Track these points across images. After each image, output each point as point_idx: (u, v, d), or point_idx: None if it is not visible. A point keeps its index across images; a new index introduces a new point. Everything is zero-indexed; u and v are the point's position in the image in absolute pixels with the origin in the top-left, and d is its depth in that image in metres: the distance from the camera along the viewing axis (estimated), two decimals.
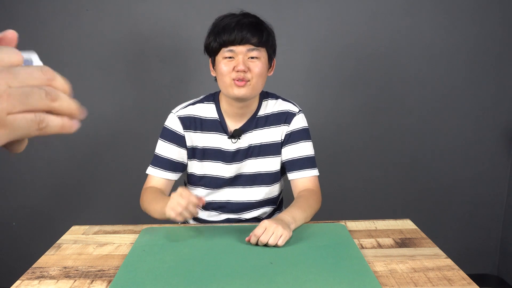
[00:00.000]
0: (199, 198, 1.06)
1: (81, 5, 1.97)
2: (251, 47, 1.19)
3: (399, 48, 2.04)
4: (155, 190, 1.27)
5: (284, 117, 1.32)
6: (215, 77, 1.26)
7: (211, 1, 1.96)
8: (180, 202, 1.04)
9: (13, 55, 0.31)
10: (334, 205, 2.12)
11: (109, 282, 0.94)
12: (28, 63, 0.34)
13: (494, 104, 2.10)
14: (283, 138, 1.32)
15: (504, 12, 2.01)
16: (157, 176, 1.30)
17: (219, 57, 1.22)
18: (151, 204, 1.21)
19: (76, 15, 1.98)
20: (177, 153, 1.30)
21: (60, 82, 0.32)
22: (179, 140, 1.30)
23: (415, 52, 2.04)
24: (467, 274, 0.96)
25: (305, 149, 1.31)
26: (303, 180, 1.30)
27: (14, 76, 0.30)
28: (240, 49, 1.18)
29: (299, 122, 1.32)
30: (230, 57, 1.19)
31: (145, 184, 1.32)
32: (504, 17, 2.01)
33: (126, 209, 2.15)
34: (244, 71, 1.18)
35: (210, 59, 1.28)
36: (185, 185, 1.43)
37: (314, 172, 1.31)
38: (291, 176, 1.32)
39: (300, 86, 2.07)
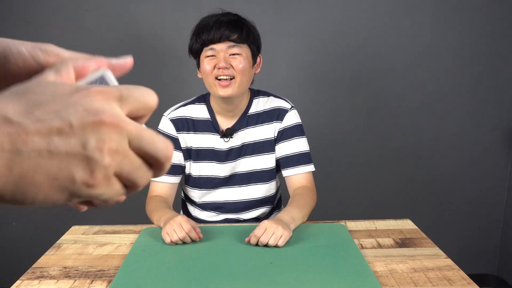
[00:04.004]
0: (198, 232, 1.09)
1: (81, 5, 1.97)
2: (231, 43, 1.19)
3: (398, 48, 2.03)
4: (159, 200, 1.27)
5: (276, 114, 1.32)
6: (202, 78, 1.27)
7: (211, 1, 1.96)
8: (177, 233, 1.07)
9: (151, 100, 0.28)
10: (334, 205, 2.12)
11: (109, 282, 0.94)
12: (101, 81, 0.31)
13: (494, 104, 2.10)
14: (276, 135, 1.32)
15: (504, 12, 2.01)
16: (159, 182, 1.30)
17: (202, 57, 1.23)
18: (152, 212, 1.23)
19: (76, 15, 1.98)
20: (173, 156, 1.30)
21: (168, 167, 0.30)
22: (173, 143, 1.29)
23: (415, 52, 2.04)
24: (467, 274, 0.96)
25: (299, 145, 1.31)
26: (298, 176, 1.30)
27: (140, 138, 0.26)
28: (221, 46, 1.19)
29: (292, 118, 1.32)
30: (212, 56, 1.20)
31: (150, 192, 1.32)
32: (504, 17, 2.01)
33: (126, 209, 2.15)
34: (226, 68, 1.18)
35: (195, 62, 1.29)
36: (182, 186, 1.43)
37: (309, 168, 1.31)
38: (285, 173, 1.32)
39: (300, 86, 2.07)
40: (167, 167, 0.29)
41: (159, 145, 0.27)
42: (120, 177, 0.26)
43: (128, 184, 0.27)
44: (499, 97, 2.09)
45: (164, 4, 1.98)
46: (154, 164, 0.28)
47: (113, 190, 0.27)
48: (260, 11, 1.96)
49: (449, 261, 1.02)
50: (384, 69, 2.06)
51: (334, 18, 2.01)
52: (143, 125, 0.29)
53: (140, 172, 0.27)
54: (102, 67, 0.32)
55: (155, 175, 0.29)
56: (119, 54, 0.35)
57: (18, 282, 0.96)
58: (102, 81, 0.32)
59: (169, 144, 0.28)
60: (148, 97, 0.28)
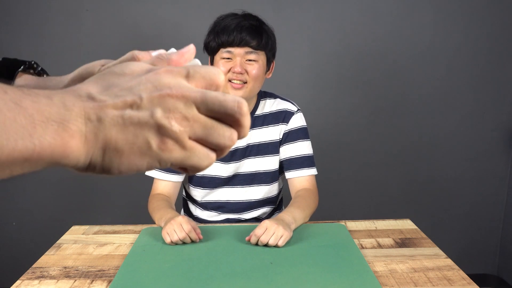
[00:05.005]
0: (198, 233, 1.09)
1: (81, 5, 1.97)
2: (249, 49, 1.19)
3: (398, 48, 2.03)
4: (161, 198, 1.27)
5: (282, 116, 1.32)
6: None
7: (211, 1, 1.96)
8: (178, 233, 1.07)
9: (217, 77, 0.31)
10: (334, 205, 2.12)
11: (109, 282, 0.94)
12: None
13: (494, 104, 2.10)
14: (281, 137, 1.32)
15: (504, 12, 2.01)
16: (162, 180, 1.30)
17: (217, 57, 1.22)
18: (153, 211, 1.23)
19: (76, 15, 1.98)
20: None
21: (248, 121, 0.31)
22: None
23: (414, 52, 2.04)
24: (467, 274, 0.96)
25: (303, 148, 1.31)
26: (301, 179, 1.30)
27: (205, 101, 0.29)
28: (238, 51, 1.19)
29: (298, 121, 1.32)
30: (228, 58, 1.20)
31: (152, 190, 1.32)
32: (504, 17, 2.01)
33: (126, 209, 2.15)
34: (241, 73, 1.18)
35: (209, 58, 1.29)
36: (184, 188, 1.43)
37: (312, 171, 1.31)
38: (288, 175, 1.32)
39: (300, 86, 2.07)
40: (245, 121, 0.30)
41: (228, 103, 0.30)
42: (200, 141, 0.30)
43: (212, 147, 0.31)
44: (499, 97, 2.09)
45: (164, 4, 1.98)
46: (231, 121, 0.30)
47: (197, 155, 0.30)
48: (260, 12, 1.96)
49: (449, 261, 1.02)
50: (383, 70, 2.06)
51: (335, 18, 2.01)
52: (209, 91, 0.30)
53: (216, 132, 0.30)
54: (192, 58, 0.35)
55: (239, 133, 0.31)
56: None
57: (18, 282, 0.96)
58: None
59: (239, 100, 0.30)
60: (214, 75, 0.31)
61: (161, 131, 0.28)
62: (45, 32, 1.99)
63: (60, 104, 0.26)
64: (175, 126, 0.28)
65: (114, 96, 0.28)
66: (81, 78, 0.35)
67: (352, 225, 1.24)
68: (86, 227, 1.26)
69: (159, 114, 0.28)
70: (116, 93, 0.28)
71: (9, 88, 0.26)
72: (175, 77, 0.29)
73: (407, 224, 1.24)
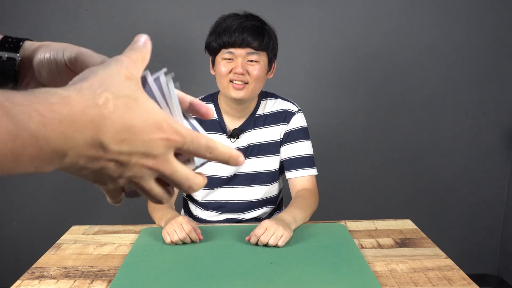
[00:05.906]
0: (198, 234, 1.09)
1: (81, 5, 1.97)
2: (251, 50, 1.19)
3: (399, 48, 2.03)
4: None
5: (283, 116, 1.32)
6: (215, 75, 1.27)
7: (211, 1, 1.96)
8: (178, 233, 1.07)
9: (206, 156, 0.35)
10: (334, 205, 2.12)
11: (109, 282, 0.94)
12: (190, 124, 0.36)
13: (494, 104, 2.10)
14: (282, 137, 1.32)
15: (504, 12, 2.01)
16: None
17: (218, 57, 1.22)
18: (153, 211, 1.23)
19: (76, 15, 1.98)
20: None
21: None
22: None
23: (415, 52, 2.04)
24: (467, 274, 0.96)
25: (303, 148, 1.31)
26: (301, 179, 1.30)
27: (170, 178, 0.32)
28: (240, 51, 1.19)
29: (298, 121, 1.32)
30: (229, 59, 1.20)
31: None
32: (505, 17, 2.01)
33: (126, 209, 2.15)
34: (242, 74, 1.18)
35: (210, 58, 1.28)
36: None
37: (312, 171, 1.31)
38: (289, 175, 1.32)
39: (300, 86, 2.07)
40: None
41: (183, 188, 0.34)
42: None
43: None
44: (500, 97, 2.09)
45: (164, 4, 1.98)
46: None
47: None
48: (260, 12, 1.96)
49: (449, 261, 1.02)
50: (384, 69, 2.06)
51: (335, 18, 2.01)
52: (180, 167, 0.33)
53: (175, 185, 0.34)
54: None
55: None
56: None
57: (18, 282, 0.96)
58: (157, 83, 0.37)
59: (192, 190, 0.34)
60: (205, 153, 0.33)
61: (114, 183, 0.32)
62: (45, 32, 1.99)
63: (60, 153, 0.27)
64: (123, 185, 0.32)
65: (118, 153, 0.29)
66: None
67: (352, 225, 1.24)
68: (86, 227, 1.26)
69: (124, 179, 0.31)
70: (121, 148, 0.29)
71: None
72: (169, 148, 0.31)
73: (407, 224, 1.24)
